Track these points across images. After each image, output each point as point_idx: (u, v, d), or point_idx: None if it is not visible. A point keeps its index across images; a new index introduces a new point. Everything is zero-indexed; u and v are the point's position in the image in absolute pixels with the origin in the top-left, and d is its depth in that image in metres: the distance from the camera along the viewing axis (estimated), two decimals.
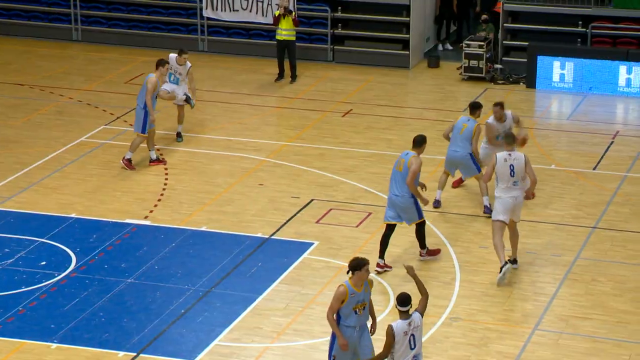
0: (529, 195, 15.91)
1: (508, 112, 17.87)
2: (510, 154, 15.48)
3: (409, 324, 11.81)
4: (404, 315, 11.83)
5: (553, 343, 14.19)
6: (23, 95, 22.85)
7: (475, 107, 17.76)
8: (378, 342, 12.33)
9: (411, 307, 11.85)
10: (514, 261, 15.84)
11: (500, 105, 17.77)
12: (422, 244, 16.04)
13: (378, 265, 15.73)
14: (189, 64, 20.17)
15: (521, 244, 16.19)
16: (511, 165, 15.41)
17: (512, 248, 15.90)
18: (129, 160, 19.07)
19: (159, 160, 19.37)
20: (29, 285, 15.39)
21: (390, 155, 19.11)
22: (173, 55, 20.16)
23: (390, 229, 15.76)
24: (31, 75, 24.09)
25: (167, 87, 20.05)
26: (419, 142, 15.71)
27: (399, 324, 11.79)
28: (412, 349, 11.81)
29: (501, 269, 15.33)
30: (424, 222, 15.86)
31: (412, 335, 11.81)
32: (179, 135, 20.50)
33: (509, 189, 15.41)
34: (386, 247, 15.77)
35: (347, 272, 12.23)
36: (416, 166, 15.44)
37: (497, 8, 24.81)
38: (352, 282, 12.18)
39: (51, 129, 21.07)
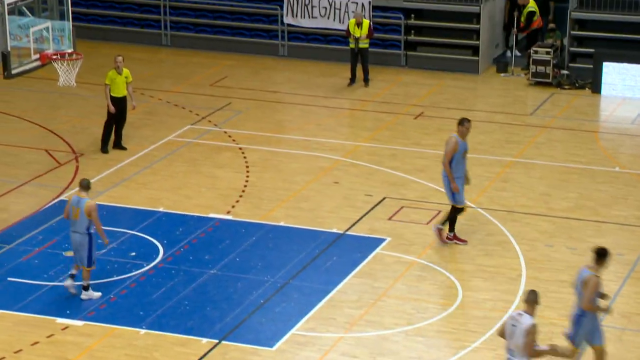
0: None
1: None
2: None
3: None
4: None
5: (616, 339, 13.88)
6: None
7: None
8: None
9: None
10: None
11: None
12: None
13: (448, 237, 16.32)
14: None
15: (585, 243, 15.88)
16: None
17: None
18: None
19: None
20: (120, 274, 15.51)
21: None
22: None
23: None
24: None
25: None
26: None
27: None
28: None
29: None
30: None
31: None
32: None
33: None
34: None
35: None
36: (449, 147, 16.10)
37: (535, 24, 24.49)
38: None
39: (141, 128, 21.22)
